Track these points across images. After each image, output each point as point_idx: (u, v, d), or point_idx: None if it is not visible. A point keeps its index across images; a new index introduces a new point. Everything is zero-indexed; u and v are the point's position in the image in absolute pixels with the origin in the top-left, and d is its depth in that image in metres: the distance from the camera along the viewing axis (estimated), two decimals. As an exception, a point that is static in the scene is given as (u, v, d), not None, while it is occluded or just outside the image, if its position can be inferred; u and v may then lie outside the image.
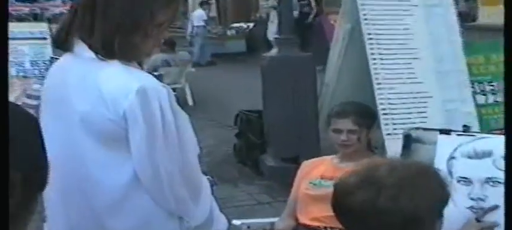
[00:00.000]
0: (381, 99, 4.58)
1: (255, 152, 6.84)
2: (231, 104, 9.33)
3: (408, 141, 2.51)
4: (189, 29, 19.05)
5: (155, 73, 10.45)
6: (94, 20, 1.90)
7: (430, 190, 1.61)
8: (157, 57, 10.61)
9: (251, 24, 18.21)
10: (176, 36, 15.83)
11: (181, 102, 10.55)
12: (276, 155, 6.43)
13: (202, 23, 16.90)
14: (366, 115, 3.34)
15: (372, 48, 5.00)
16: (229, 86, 12.38)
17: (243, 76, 11.81)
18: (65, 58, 2.08)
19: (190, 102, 10.54)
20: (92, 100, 1.87)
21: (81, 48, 1.92)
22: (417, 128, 2.73)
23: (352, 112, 3.24)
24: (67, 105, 1.94)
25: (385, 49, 4.98)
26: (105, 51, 1.88)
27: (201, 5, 17.92)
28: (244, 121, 7.19)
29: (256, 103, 7.17)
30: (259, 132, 6.80)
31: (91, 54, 1.89)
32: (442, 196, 1.63)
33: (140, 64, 2.09)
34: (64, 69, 2.04)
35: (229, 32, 17.89)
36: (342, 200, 1.62)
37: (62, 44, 2.03)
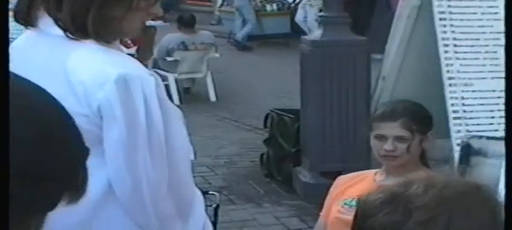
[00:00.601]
0: (453, 98, 4.50)
1: (287, 163, 6.76)
2: (263, 101, 9.28)
3: (467, 152, 2.41)
4: (220, 1, 19.03)
5: (169, 58, 10.57)
6: None
7: (477, 218, 1.52)
8: (172, 37, 10.63)
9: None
10: (199, 11, 15.94)
11: (202, 96, 10.60)
12: (314, 168, 6.32)
13: None
14: (420, 117, 3.18)
15: (444, 32, 4.91)
16: (263, 78, 12.28)
17: (283, 66, 11.72)
18: (26, 36, 2.05)
19: (212, 97, 10.50)
20: (58, 89, 1.77)
21: (47, 24, 1.90)
22: (480, 137, 2.62)
23: (402, 114, 3.11)
24: None
25: (461, 33, 4.87)
26: (76, 27, 1.85)
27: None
28: (275, 124, 7.10)
29: (294, 101, 7.09)
30: (294, 138, 6.70)
31: (59, 31, 1.86)
32: (492, 227, 1.55)
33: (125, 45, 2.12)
34: (25, 49, 2.00)
35: (269, 7, 17.65)
36: (361, 222, 1.57)
37: (23, 18, 1.98)
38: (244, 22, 16.24)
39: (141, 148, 1.84)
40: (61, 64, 1.84)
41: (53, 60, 1.88)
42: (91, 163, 1.77)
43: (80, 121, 1.69)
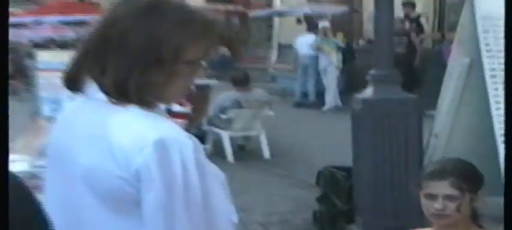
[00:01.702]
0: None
1: (340, 221, 6.71)
2: (316, 158, 9.24)
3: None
4: (273, 59, 19.14)
5: (223, 116, 10.64)
6: (107, 54, 1.91)
7: None
8: (227, 95, 10.71)
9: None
10: (253, 69, 16.05)
11: (255, 153, 10.64)
12: (367, 226, 6.26)
13: (311, 52, 16.87)
14: (470, 176, 3.12)
15: (496, 89, 4.87)
16: (316, 135, 12.28)
17: (336, 123, 11.72)
18: (74, 102, 2.09)
19: (266, 155, 10.51)
20: (99, 152, 1.86)
21: (92, 89, 1.93)
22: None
23: (451, 173, 3.06)
24: (70, 158, 1.94)
25: (514, 91, 4.84)
26: (119, 92, 1.87)
27: (309, 29, 18.02)
28: (328, 181, 7.10)
29: (347, 158, 7.07)
30: (347, 196, 6.67)
31: (103, 96, 1.89)
32: None
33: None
34: (71, 114, 2.08)
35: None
36: None
37: (71, 84, 2.03)
38: (306, 80, 16.33)
39: (179, 212, 1.83)
40: (103, 128, 1.86)
41: (95, 124, 1.90)
42: (129, 225, 1.88)
43: (119, 184, 1.83)
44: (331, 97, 16.12)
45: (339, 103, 15.79)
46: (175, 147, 1.81)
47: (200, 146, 1.91)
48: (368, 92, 6.50)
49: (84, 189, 1.89)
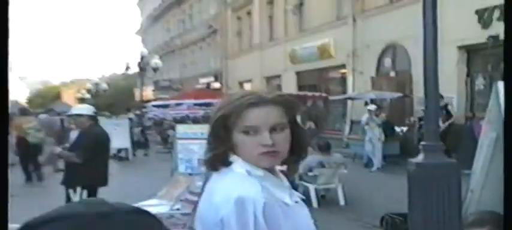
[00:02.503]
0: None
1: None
2: (381, 206, 9.15)
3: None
4: (346, 131, 19.14)
5: (310, 173, 10.68)
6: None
7: None
8: (313, 158, 10.72)
9: (405, 128, 17.95)
10: (332, 138, 16.04)
11: (333, 201, 10.57)
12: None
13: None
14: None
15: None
16: (382, 187, 12.17)
17: (396, 179, 11.56)
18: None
19: (341, 202, 10.44)
20: (206, 205, 1.89)
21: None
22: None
23: (489, 221, 2.80)
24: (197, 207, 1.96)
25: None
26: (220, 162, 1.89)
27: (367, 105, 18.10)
28: (389, 224, 7.01)
29: (403, 205, 6.96)
30: (404, 237, 6.55)
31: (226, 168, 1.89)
32: None
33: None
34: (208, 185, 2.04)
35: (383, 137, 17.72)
36: None
37: (212, 167, 1.96)
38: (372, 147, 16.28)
39: None
40: (212, 186, 1.88)
41: (211, 184, 1.90)
42: None
43: (213, 227, 1.81)
44: (377, 161, 15.99)
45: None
46: (250, 205, 1.76)
47: (273, 203, 1.81)
48: (420, 158, 6.40)
49: (198, 226, 1.90)
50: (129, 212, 1.01)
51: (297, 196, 1.95)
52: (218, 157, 1.87)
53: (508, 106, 1.03)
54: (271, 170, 1.86)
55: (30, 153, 14.06)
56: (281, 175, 1.94)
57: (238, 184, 1.81)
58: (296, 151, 1.88)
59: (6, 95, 0.95)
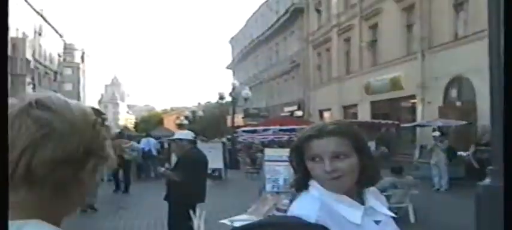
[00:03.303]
0: None
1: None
2: (448, 224, 8.89)
3: None
4: (416, 156, 18.69)
5: (384, 193, 10.49)
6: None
7: None
8: (387, 180, 10.58)
9: (468, 153, 17.29)
10: (404, 162, 15.68)
11: (405, 219, 10.32)
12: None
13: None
14: None
15: None
16: (448, 207, 11.80)
17: (462, 199, 11.18)
18: None
19: (412, 220, 10.17)
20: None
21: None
22: None
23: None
24: None
25: None
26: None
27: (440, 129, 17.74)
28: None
29: (470, 224, 6.71)
30: (471, 252, 6.30)
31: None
32: None
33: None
34: None
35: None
36: None
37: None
38: (438, 170, 15.84)
39: None
40: (291, 206, 1.87)
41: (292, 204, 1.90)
42: None
43: None
44: (444, 183, 15.58)
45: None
46: None
47: (330, 221, 1.72)
48: (487, 181, 6.20)
49: None
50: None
51: (384, 215, 1.89)
52: (299, 181, 1.90)
53: (508, 106, 1.00)
54: (348, 193, 1.81)
55: (124, 167, 15.86)
56: (365, 197, 1.88)
57: (301, 203, 1.82)
58: (363, 178, 1.85)
59: (6, 95, 0.91)
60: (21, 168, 0.94)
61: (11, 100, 1.00)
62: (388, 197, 10.36)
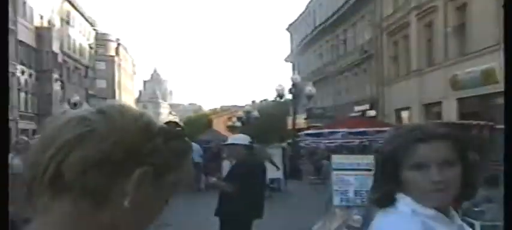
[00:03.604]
0: None
1: None
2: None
3: None
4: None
5: (476, 208, 10.39)
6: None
7: None
8: (479, 193, 10.51)
9: None
10: (499, 171, 15.37)
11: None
12: None
13: None
14: None
15: None
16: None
17: None
18: None
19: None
20: None
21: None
22: None
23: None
24: None
25: None
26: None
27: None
28: None
29: None
30: None
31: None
32: None
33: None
34: None
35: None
36: None
37: (381, 204, 1.93)
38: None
39: None
40: (376, 225, 1.90)
41: (376, 223, 1.92)
42: None
43: None
44: None
45: None
46: None
47: None
48: None
49: None
50: None
51: None
52: (387, 194, 1.85)
53: (508, 106, 1.08)
54: (442, 208, 1.81)
55: None
56: (453, 212, 1.90)
57: (399, 224, 1.78)
58: (465, 189, 1.82)
59: (6, 95, 0.95)
60: (50, 170, 0.98)
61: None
62: (480, 213, 10.25)
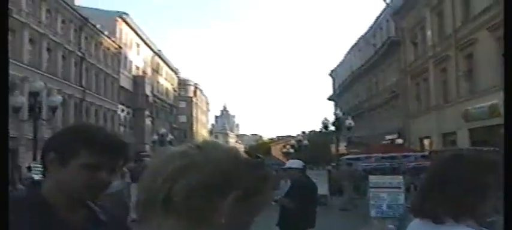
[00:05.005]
0: None
1: None
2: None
3: None
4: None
5: (488, 219, 10.65)
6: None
7: None
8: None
9: None
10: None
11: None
12: None
13: None
14: None
15: None
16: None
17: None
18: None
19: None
20: None
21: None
22: None
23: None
24: None
25: None
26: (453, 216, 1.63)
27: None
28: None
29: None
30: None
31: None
32: None
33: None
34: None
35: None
36: None
37: (418, 213, 1.73)
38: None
39: None
40: None
41: None
42: None
43: None
44: None
45: None
46: None
47: None
48: None
49: None
50: None
51: None
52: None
53: (508, 106, 0.94)
54: None
55: None
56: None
57: None
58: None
59: (6, 95, 0.84)
60: (162, 194, 0.96)
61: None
62: (491, 224, 10.52)
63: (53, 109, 19.74)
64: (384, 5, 40.75)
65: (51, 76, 34.24)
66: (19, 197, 1.57)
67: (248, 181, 1.00)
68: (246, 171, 1.01)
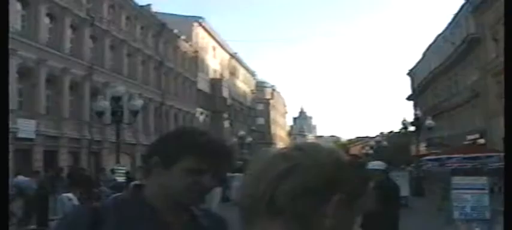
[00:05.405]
0: None
1: None
2: None
3: None
4: None
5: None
6: None
7: None
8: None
9: None
10: None
11: None
12: None
13: None
14: None
15: None
16: None
17: None
18: None
19: None
20: None
21: None
22: None
23: None
24: None
25: None
26: None
27: None
28: None
29: None
30: None
31: None
32: None
33: None
34: None
35: None
36: None
37: None
38: None
39: None
40: None
41: None
42: None
43: None
44: None
45: None
46: None
47: None
48: None
49: None
50: None
51: None
52: None
53: (508, 106, 0.81)
54: None
55: None
56: None
57: None
58: None
59: (6, 95, 0.73)
60: (266, 198, 0.94)
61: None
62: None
63: (134, 113, 19.72)
64: (462, 1, 38.74)
65: (131, 81, 34.68)
66: (124, 197, 1.60)
67: (351, 183, 0.98)
68: (348, 173, 0.98)
